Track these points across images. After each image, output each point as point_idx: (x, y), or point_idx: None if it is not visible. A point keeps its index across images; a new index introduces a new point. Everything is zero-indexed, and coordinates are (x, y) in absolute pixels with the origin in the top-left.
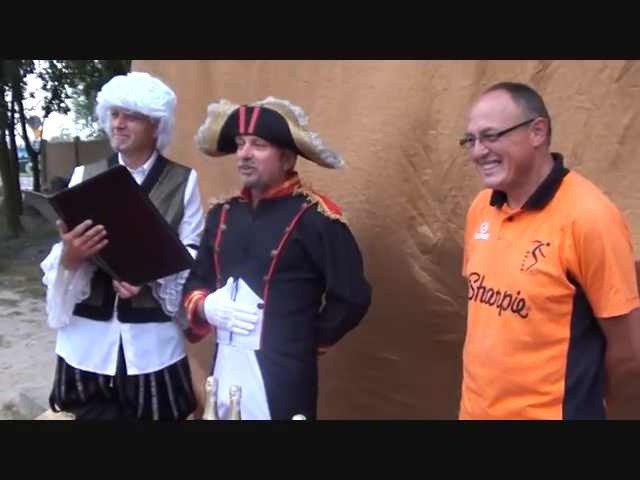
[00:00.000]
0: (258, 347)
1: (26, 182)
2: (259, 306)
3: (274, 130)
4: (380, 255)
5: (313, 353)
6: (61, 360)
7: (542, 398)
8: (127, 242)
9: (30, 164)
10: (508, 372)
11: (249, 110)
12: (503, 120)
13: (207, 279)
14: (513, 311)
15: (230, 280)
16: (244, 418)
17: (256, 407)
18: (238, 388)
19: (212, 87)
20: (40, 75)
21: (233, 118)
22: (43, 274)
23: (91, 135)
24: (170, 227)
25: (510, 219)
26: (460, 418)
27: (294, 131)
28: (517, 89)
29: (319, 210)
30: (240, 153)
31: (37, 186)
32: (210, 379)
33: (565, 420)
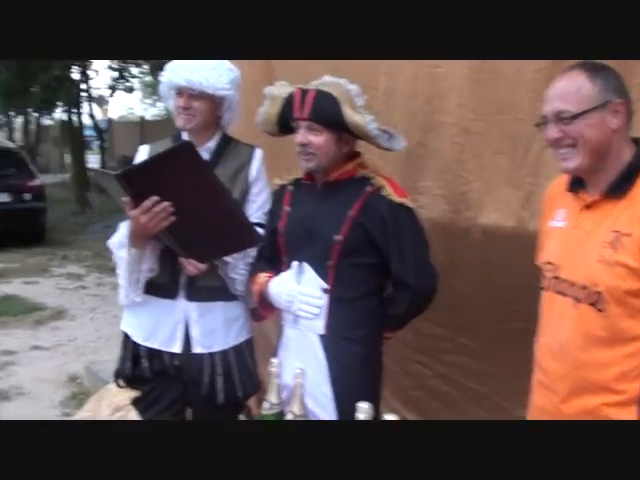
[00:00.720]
0: (322, 331)
1: (93, 160)
2: (324, 291)
3: (328, 114)
4: (455, 241)
5: (377, 339)
6: (127, 336)
7: (617, 397)
8: (194, 218)
9: (97, 142)
10: (581, 368)
11: (304, 93)
12: (577, 102)
13: (272, 261)
14: (589, 304)
15: (295, 263)
16: (307, 401)
17: (319, 391)
18: (302, 371)
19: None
20: None
21: (288, 101)
22: (108, 249)
23: (157, 115)
24: (237, 203)
25: (588, 207)
26: (529, 413)
27: (348, 115)
28: (595, 69)
29: (383, 193)
30: (297, 139)
31: (103, 164)
32: (274, 360)
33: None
